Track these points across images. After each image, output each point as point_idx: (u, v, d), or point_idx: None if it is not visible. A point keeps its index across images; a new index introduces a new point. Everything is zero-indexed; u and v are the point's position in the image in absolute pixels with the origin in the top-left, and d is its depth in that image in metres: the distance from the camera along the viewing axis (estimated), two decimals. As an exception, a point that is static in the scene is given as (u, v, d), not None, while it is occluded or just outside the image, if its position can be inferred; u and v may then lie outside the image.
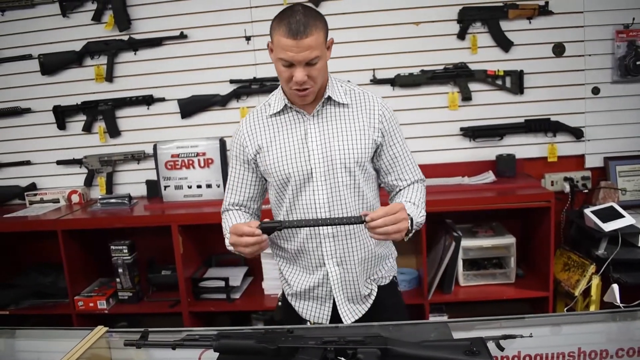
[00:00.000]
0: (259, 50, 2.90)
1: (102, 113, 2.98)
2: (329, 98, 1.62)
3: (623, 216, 2.52)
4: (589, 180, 2.89)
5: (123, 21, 2.87)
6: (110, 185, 3.04)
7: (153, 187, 2.95)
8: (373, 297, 1.72)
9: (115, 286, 2.78)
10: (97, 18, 2.90)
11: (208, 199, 2.78)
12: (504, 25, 2.80)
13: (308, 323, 1.72)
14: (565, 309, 2.62)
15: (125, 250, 2.73)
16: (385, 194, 1.79)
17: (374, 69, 2.86)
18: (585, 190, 2.88)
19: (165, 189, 2.80)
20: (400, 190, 1.72)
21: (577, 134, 2.86)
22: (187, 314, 2.67)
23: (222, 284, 2.71)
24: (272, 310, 2.79)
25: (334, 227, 1.61)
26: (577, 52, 2.83)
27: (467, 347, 1.31)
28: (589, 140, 2.89)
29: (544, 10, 2.77)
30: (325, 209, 1.61)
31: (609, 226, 2.49)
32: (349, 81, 1.71)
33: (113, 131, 3.01)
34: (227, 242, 1.61)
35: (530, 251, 2.75)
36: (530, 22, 2.80)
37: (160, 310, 2.72)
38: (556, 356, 1.54)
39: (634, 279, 2.45)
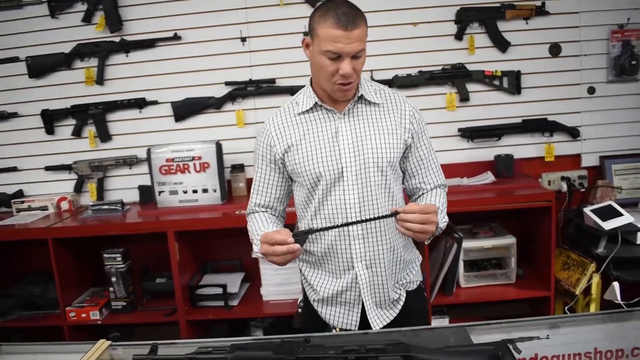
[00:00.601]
0: (254, 51, 2.85)
1: (92, 117, 2.90)
2: (361, 97, 1.60)
3: (622, 214, 2.53)
4: (585, 179, 2.90)
5: (114, 22, 2.80)
6: (101, 191, 2.95)
7: (146, 193, 2.87)
8: (402, 303, 1.68)
9: (108, 295, 2.69)
10: (87, 19, 2.82)
11: (204, 204, 2.71)
12: (501, 25, 2.79)
13: (334, 330, 1.67)
14: (566, 308, 2.62)
15: (119, 258, 2.65)
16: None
17: (371, 70, 2.82)
18: (582, 190, 2.89)
19: (159, 195, 2.73)
20: (423, 194, 1.69)
21: (573, 133, 2.87)
22: (184, 322, 2.60)
23: (219, 290, 2.65)
24: (271, 317, 2.75)
25: (363, 228, 1.57)
26: (573, 52, 2.84)
27: (492, 352, 1.28)
28: (585, 139, 2.91)
29: (541, 11, 2.77)
30: (355, 209, 1.57)
31: (608, 225, 2.50)
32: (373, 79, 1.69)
33: (104, 135, 2.93)
34: (255, 248, 1.58)
35: (530, 251, 2.75)
36: (527, 23, 2.80)
37: (155, 319, 2.64)
38: (573, 357, 1.52)
39: (633, 276, 2.46)
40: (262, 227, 1.61)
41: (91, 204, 2.83)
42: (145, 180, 2.87)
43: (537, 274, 2.70)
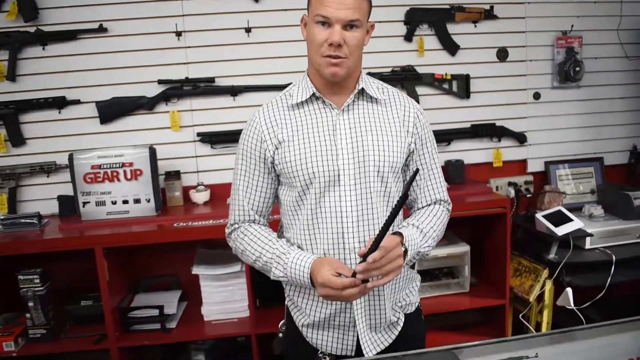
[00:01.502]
0: (191, 47, 2.60)
1: (2, 118, 2.52)
2: (362, 91, 1.43)
3: (572, 220, 2.54)
4: (531, 184, 2.90)
5: (29, 10, 2.44)
6: (13, 203, 2.57)
7: (67, 204, 2.54)
8: (400, 327, 1.51)
9: (25, 323, 2.34)
10: (-5, 5, 2.46)
11: (136, 215, 2.43)
12: (451, 28, 2.73)
13: (325, 358, 1.48)
14: (520, 315, 2.59)
15: (37, 280, 2.30)
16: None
17: (318, 71, 2.66)
18: (529, 195, 2.88)
19: (84, 206, 2.41)
20: (417, 210, 1.53)
21: (520, 139, 2.86)
22: (116, 349, 2.30)
23: (155, 312, 2.38)
24: (214, 339, 2.50)
25: (361, 240, 1.40)
26: (520, 58, 2.83)
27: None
28: (530, 144, 2.90)
29: (489, 15, 2.74)
30: (353, 217, 1.40)
31: (561, 230, 2.49)
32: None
33: (16, 139, 2.55)
34: (277, 273, 1.41)
35: (483, 258, 2.69)
36: (475, 26, 2.76)
37: (82, 347, 2.32)
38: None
39: (584, 281, 2.47)
40: (274, 244, 1.43)
41: (2, 217, 2.46)
42: (66, 190, 2.53)
43: (490, 281, 2.64)
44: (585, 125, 2.94)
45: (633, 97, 2.97)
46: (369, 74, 2.60)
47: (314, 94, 1.42)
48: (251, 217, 1.50)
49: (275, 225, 1.58)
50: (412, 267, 1.63)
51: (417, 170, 1.29)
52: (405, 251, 1.34)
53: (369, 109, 1.45)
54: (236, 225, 1.51)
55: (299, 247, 1.46)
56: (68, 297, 2.48)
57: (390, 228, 1.34)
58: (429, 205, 1.53)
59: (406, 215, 1.56)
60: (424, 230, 1.45)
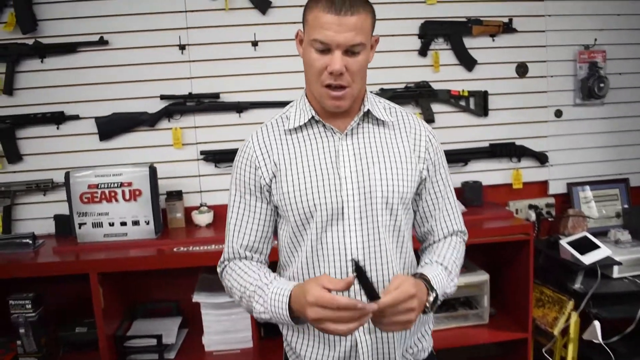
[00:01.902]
0: (195, 61, 2.48)
1: (-3, 133, 2.42)
2: (368, 113, 1.29)
3: (598, 247, 2.37)
4: (553, 207, 2.74)
5: (27, 21, 2.34)
6: (8, 222, 2.45)
7: (64, 224, 2.41)
8: None
9: (15, 349, 2.20)
10: (-8, 17, 2.37)
11: (134, 238, 2.29)
12: (467, 42, 2.60)
13: None
14: (543, 350, 2.41)
15: (29, 305, 2.17)
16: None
17: (328, 86, 2.53)
18: (551, 219, 2.72)
19: (80, 227, 2.28)
20: (432, 244, 1.38)
21: (541, 159, 2.71)
22: (110, 381, 2.16)
23: (153, 342, 2.23)
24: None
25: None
26: (540, 73, 2.69)
27: None
28: (552, 165, 2.75)
29: (508, 28, 2.60)
30: (359, 254, 1.24)
31: (588, 259, 2.32)
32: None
33: (12, 155, 2.44)
34: (259, 308, 1.20)
35: (502, 287, 2.52)
36: (493, 40, 2.62)
37: (75, 377, 2.19)
38: None
39: (612, 313, 2.30)
40: (259, 276, 1.24)
41: (-6, 238, 2.35)
42: (63, 209, 2.41)
43: (511, 312, 2.47)
44: (610, 145, 2.78)
45: (661, 115, 2.81)
46: (382, 89, 2.54)
47: (313, 117, 1.28)
48: (242, 255, 1.33)
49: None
50: None
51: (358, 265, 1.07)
52: (436, 297, 1.19)
53: (375, 133, 1.30)
54: (226, 263, 1.35)
55: None
56: (62, 322, 2.35)
57: (404, 266, 1.20)
58: (445, 238, 1.38)
59: (416, 248, 1.41)
60: (449, 267, 1.29)
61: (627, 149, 2.80)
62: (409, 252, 1.33)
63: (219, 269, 1.38)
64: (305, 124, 1.29)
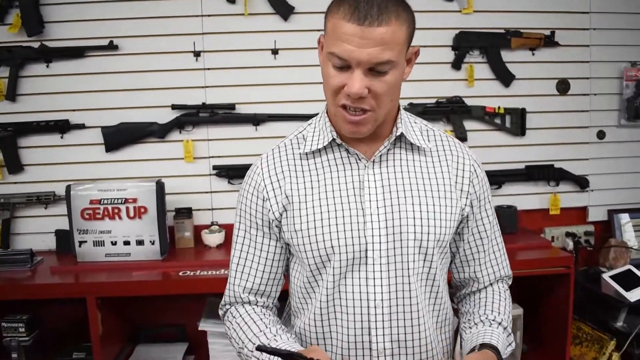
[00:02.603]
0: (210, 69, 2.32)
1: (-2, 141, 2.28)
2: (401, 136, 1.09)
3: (644, 282, 2.16)
4: (592, 235, 2.52)
5: (33, 23, 2.19)
6: (6, 235, 2.30)
7: (65, 240, 2.25)
8: None
9: (7, 375, 2.05)
10: (-2, 17, 2.22)
11: (138, 259, 2.12)
12: (505, 55, 2.40)
13: None
14: (582, 396, 2.20)
15: (22, 329, 2.03)
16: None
17: (352, 100, 2.35)
18: (590, 248, 2.50)
19: (80, 246, 2.11)
20: (475, 292, 1.19)
21: (582, 183, 2.50)
22: (108, 414, 1.99)
23: (156, 372, 2.06)
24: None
25: (392, 339, 1.07)
26: (583, 91, 2.48)
27: None
28: (592, 190, 2.53)
29: (550, 41, 2.40)
30: (384, 307, 1.05)
31: (633, 295, 2.12)
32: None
33: (13, 165, 2.30)
34: None
35: (537, 323, 2.31)
36: (533, 54, 2.42)
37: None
38: None
39: (659, 356, 2.08)
40: (260, 333, 1.07)
41: (-9, 253, 2.19)
42: (66, 224, 2.25)
43: (545, 350, 2.26)
44: (655, 170, 2.57)
45: None
46: (410, 104, 2.35)
47: (334, 140, 1.08)
48: (244, 299, 1.15)
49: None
50: None
51: None
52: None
53: (408, 161, 1.10)
54: (227, 307, 1.18)
55: (308, 343, 1.11)
56: (60, 345, 2.18)
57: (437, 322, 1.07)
58: (491, 284, 1.19)
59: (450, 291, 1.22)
60: (507, 327, 1.11)
61: (674, 175, 2.58)
62: (444, 304, 1.14)
63: (220, 312, 1.21)
64: (324, 147, 1.09)
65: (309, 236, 1.06)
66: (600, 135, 2.52)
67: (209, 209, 2.39)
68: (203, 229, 2.32)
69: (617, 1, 2.44)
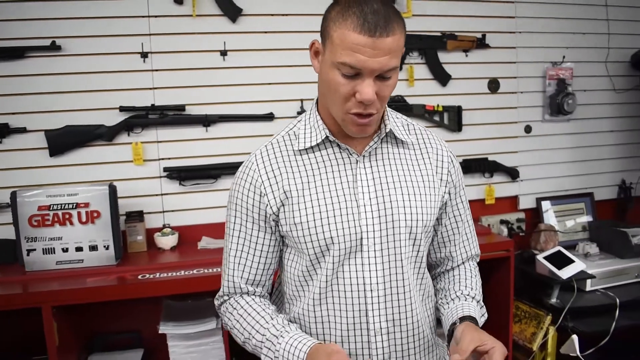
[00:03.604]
0: (158, 70, 2.29)
1: None
2: (389, 132, 1.16)
3: (573, 261, 2.38)
4: (523, 222, 2.74)
5: (-34, 22, 2.08)
6: (-61, 248, 2.16)
7: (8, 250, 2.14)
8: None
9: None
10: None
11: (92, 265, 2.06)
12: (442, 57, 2.56)
13: None
14: (523, 367, 2.39)
15: (-34, 345, 1.90)
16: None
17: (302, 99, 2.42)
18: (522, 234, 2.72)
19: (28, 254, 2.02)
20: (450, 270, 1.29)
21: (513, 174, 2.71)
22: None
23: (115, 380, 2.02)
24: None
25: (388, 319, 1.14)
26: (511, 89, 2.70)
27: None
28: (522, 180, 2.75)
29: (481, 44, 2.59)
30: (379, 290, 1.13)
31: (565, 273, 2.33)
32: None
33: (-55, 173, 2.16)
34: (271, 355, 1.10)
35: (480, 305, 2.48)
36: (467, 55, 2.60)
37: None
38: None
39: (589, 326, 2.30)
40: (268, 325, 1.13)
41: None
42: (7, 233, 2.15)
43: (489, 330, 2.39)
44: (576, 160, 2.84)
45: (621, 130, 2.90)
46: None
47: (327, 138, 1.14)
48: (243, 290, 1.20)
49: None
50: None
51: None
52: None
53: (395, 154, 1.18)
54: (225, 297, 1.22)
55: (305, 327, 1.18)
56: (6, 362, 2.08)
57: (422, 297, 1.15)
58: (464, 263, 1.31)
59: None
60: (480, 300, 1.23)
61: (592, 164, 2.87)
62: (427, 280, 1.24)
63: (216, 302, 1.25)
64: (317, 144, 1.15)
65: (308, 228, 1.11)
66: (527, 129, 2.74)
67: (161, 212, 2.35)
68: (155, 232, 2.29)
69: (539, 7, 2.67)
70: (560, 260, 2.39)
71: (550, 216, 2.78)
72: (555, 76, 2.71)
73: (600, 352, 2.34)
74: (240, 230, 1.18)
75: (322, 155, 1.15)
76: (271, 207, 1.14)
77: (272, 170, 1.14)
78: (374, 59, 0.99)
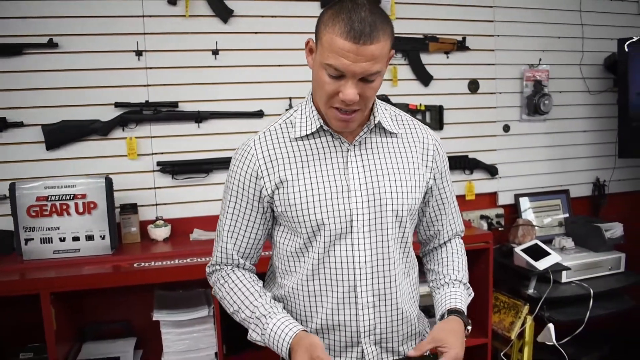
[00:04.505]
0: (152, 68, 2.38)
1: None
2: (378, 124, 1.25)
3: (549, 253, 2.50)
4: (502, 217, 2.86)
5: (-34, 19, 2.15)
6: (-63, 239, 2.21)
7: (5, 241, 2.20)
8: None
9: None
10: None
11: (88, 254, 2.13)
12: (424, 58, 2.67)
13: None
14: (502, 354, 2.49)
15: (-35, 331, 1.96)
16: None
17: (290, 98, 2.51)
18: (501, 228, 2.84)
19: (26, 243, 2.09)
20: (438, 247, 1.41)
21: (492, 171, 2.83)
22: (61, 411, 1.98)
23: (110, 365, 2.08)
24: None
25: (374, 294, 1.24)
26: (490, 90, 2.83)
27: None
28: (501, 177, 2.87)
29: (461, 46, 2.71)
30: (367, 268, 1.23)
31: (541, 264, 2.45)
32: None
33: (-56, 166, 2.22)
34: (255, 336, 1.24)
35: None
36: (448, 57, 2.72)
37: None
38: None
39: (564, 315, 2.44)
40: (258, 302, 1.25)
41: None
42: (5, 224, 2.21)
43: (470, 319, 2.52)
44: (552, 158, 2.97)
45: (595, 130, 3.03)
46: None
47: (321, 127, 1.24)
48: (235, 261, 1.31)
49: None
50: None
51: None
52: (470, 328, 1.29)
53: (383, 144, 1.28)
54: (217, 267, 1.33)
55: (298, 300, 1.28)
56: (3, 349, 2.13)
57: (407, 274, 1.28)
58: (450, 240, 1.43)
59: (417, 248, 1.42)
60: (466, 282, 1.36)
61: (568, 162, 3.00)
62: (411, 258, 1.34)
63: (207, 270, 1.36)
64: (312, 133, 1.25)
65: (302, 210, 1.21)
66: (506, 128, 2.87)
67: (154, 205, 2.43)
68: (148, 224, 2.37)
69: (517, 12, 2.81)
70: (537, 253, 2.51)
71: (528, 212, 2.91)
72: (532, 78, 2.84)
73: (575, 341, 2.47)
74: (234, 208, 1.27)
75: (316, 143, 1.25)
76: (266, 190, 1.24)
77: (269, 155, 1.24)
78: (357, 63, 1.08)
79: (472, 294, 1.39)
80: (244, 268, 1.32)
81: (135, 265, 2.07)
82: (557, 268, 2.48)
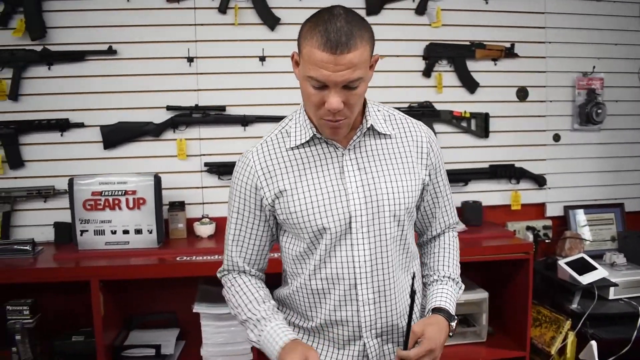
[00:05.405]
0: (202, 74, 2.51)
1: (1, 138, 2.41)
2: (370, 126, 1.29)
3: (595, 268, 2.41)
4: (550, 229, 2.78)
5: (37, 28, 2.35)
6: (7, 227, 2.43)
7: (64, 232, 2.40)
8: None
9: (9, 357, 2.16)
10: (3, 22, 2.36)
11: (136, 247, 2.28)
12: (470, 65, 2.66)
13: None
14: (540, 370, 2.43)
15: (26, 312, 2.13)
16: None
17: (333, 103, 2.57)
18: (548, 240, 2.76)
19: (81, 234, 2.26)
20: (432, 239, 1.45)
21: (540, 181, 2.76)
22: (106, 392, 2.13)
23: (152, 352, 2.21)
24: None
25: (375, 291, 1.29)
26: (539, 98, 2.76)
27: None
28: (549, 188, 2.79)
29: (510, 53, 2.67)
30: (367, 267, 1.27)
31: (585, 279, 2.36)
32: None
33: (14, 161, 2.43)
34: (252, 336, 1.32)
35: (500, 306, 2.54)
36: (495, 64, 2.69)
37: (69, 388, 2.15)
38: None
39: (608, 334, 2.32)
40: (259, 307, 1.32)
41: (-7, 243, 2.32)
42: (64, 217, 2.40)
43: (509, 331, 2.48)
44: (606, 170, 2.85)
45: (654, 142, 2.89)
46: None
47: (314, 135, 1.28)
48: (240, 268, 1.38)
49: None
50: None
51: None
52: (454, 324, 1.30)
53: (377, 146, 1.31)
54: (225, 272, 1.41)
55: (303, 298, 1.35)
56: (58, 331, 2.31)
57: (407, 270, 1.31)
58: (443, 232, 1.46)
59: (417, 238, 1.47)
60: (456, 278, 1.38)
61: (623, 175, 2.87)
62: (411, 251, 1.37)
63: (219, 274, 1.44)
64: (307, 142, 1.29)
65: (302, 217, 1.26)
66: (556, 138, 2.79)
67: (200, 203, 2.56)
68: (195, 221, 2.49)
69: (570, 18, 2.73)
70: (583, 267, 2.42)
71: (579, 225, 2.80)
72: (585, 86, 2.75)
73: (621, 361, 2.36)
74: (237, 218, 1.34)
75: (311, 151, 1.29)
76: (267, 199, 1.29)
77: (267, 167, 1.29)
78: (337, 73, 1.10)
79: (463, 287, 1.42)
80: (250, 274, 1.39)
81: (177, 258, 2.19)
82: (604, 284, 2.39)
